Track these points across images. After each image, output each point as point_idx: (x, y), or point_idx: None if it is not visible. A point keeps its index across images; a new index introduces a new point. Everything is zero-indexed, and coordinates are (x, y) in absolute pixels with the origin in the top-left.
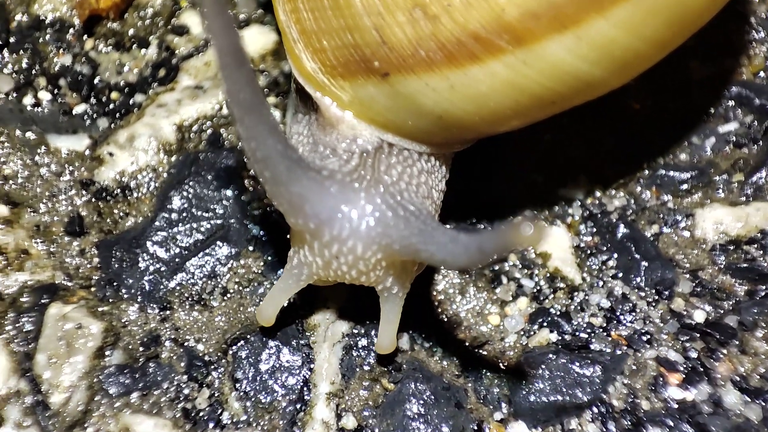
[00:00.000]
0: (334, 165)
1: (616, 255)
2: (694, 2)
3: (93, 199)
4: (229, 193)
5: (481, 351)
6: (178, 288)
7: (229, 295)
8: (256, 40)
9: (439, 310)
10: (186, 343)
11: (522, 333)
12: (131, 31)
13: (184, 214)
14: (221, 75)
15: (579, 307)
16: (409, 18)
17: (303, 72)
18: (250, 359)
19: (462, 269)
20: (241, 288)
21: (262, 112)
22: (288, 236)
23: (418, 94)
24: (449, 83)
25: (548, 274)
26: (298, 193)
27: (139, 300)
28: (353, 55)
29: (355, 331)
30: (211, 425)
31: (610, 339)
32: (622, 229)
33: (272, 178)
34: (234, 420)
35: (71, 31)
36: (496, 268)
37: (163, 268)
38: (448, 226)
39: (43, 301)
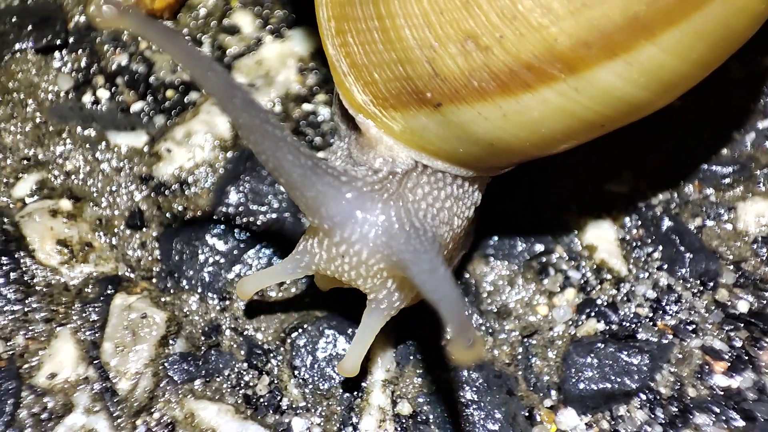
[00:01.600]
0: (359, 173)
1: (660, 247)
2: (738, 24)
3: (152, 194)
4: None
5: (530, 340)
6: (236, 279)
7: (285, 286)
8: (304, 40)
9: (489, 300)
10: (245, 332)
11: (570, 323)
12: (184, 31)
13: (241, 209)
14: (219, 106)
15: (625, 298)
16: (461, 50)
17: (354, 104)
18: (307, 347)
19: (430, 303)
20: (296, 279)
21: (265, 128)
22: None
23: (470, 123)
24: (502, 112)
25: (595, 266)
26: (314, 197)
27: (199, 291)
28: (405, 87)
29: (409, 320)
30: (271, 411)
31: (656, 329)
32: (666, 222)
33: (287, 184)
34: (293, 406)
35: (126, 32)
36: (543, 260)
37: (221, 260)
38: (440, 259)
39: (108, 291)
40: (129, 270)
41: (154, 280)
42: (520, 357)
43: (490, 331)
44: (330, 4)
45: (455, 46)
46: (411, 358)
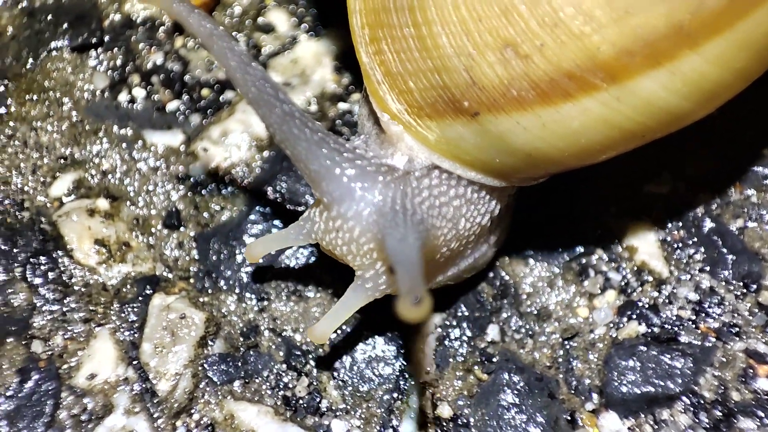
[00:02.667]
0: (371, 153)
1: (702, 249)
2: None
3: (189, 193)
4: None
5: (571, 343)
6: (274, 279)
7: (322, 287)
8: (339, 39)
9: (529, 302)
10: (284, 333)
11: (611, 325)
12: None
13: (278, 208)
14: (230, 78)
15: (667, 300)
16: (500, 58)
17: (388, 113)
18: (346, 349)
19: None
20: (333, 279)
21: (272, 102)
22: None
23: (508, 132)
24: (541, 121)
25: (635, 268)
26: (317, 171)
27: (237, 291)
28: (442, 95)
29: (447, 323)
30: (310, 412)
31: (699, 331)
32: (707, 223)
33: (292, 156)
34: (333, 408)
35: (162, 29)
36: (583, 261)
37: (259, 260)
38: (414, 235)
39: (146, 292)
40: (167, 270)
41: (191, 280)
42: (561, 360)
43: (530, 333)
44: (364, 11)
45: (494, 54)
46: (450, 360)
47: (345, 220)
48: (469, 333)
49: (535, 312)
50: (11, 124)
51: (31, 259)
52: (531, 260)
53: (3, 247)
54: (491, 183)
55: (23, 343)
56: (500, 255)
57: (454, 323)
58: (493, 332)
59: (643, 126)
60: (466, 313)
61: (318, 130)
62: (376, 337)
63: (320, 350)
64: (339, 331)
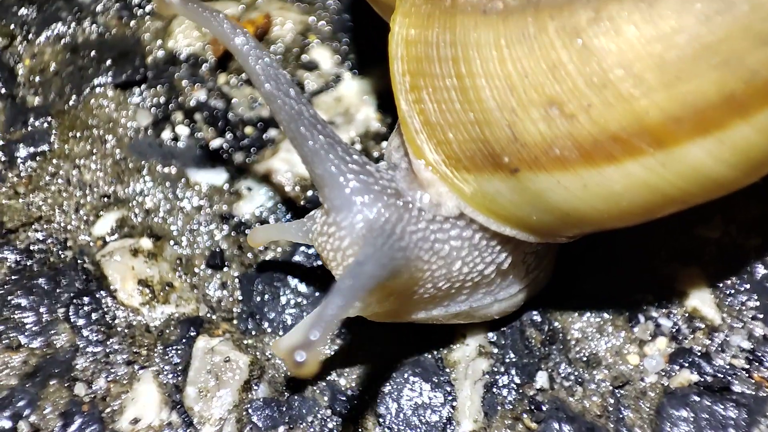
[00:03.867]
0: (378, 172)
1: (755, 295)
2: None
3: (233, 233)
4: None
5: (621, 391)
6: None
7: (366, 330)
8: (383, 77)
9: (578, 348)
10: (328, 377)
11: (662, 373)
12: None
13: None
14: (246, 70)
15: (719, 348)
16: (543, 115)
17: (424, 162)
18: (392, 395)
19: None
20: (377, 323)
21: (283, 100)
22: None
23: (548, 191)
24: (582, 182)
25: (686, 314)
26: (320, 175)
27: (281, 334)
28: (481, 149)
29: (495, 369)
30: None
31: (752, 381)
32: (760, 269)
33: (300, 156)
34: None
35: (205, 66)
36: (633, 306)
37: (303, 302)
38: (376, 260)
39: (190, 333)
40: (210, 311)
41: (235, 322)
42: (611, 408)
43: (580, 380)
44: (406, 58)
45: (538, 111)
46: (498, 408)
47: (339, 228)
48: (517, 380)
49: (585, 359)
50: (54, 161)
51: (74, 300)
52: (580, 305)
53: (46, 287)
54: (524, 238)
55: (66, 385)
56: (548, 299)
57: (502, 369)
58: (542, 379)
59: (687, 193)
60: (514, 359)
61: (328, 135)
62: (423, 383)
63: (366, 396)
64: (385, 376)
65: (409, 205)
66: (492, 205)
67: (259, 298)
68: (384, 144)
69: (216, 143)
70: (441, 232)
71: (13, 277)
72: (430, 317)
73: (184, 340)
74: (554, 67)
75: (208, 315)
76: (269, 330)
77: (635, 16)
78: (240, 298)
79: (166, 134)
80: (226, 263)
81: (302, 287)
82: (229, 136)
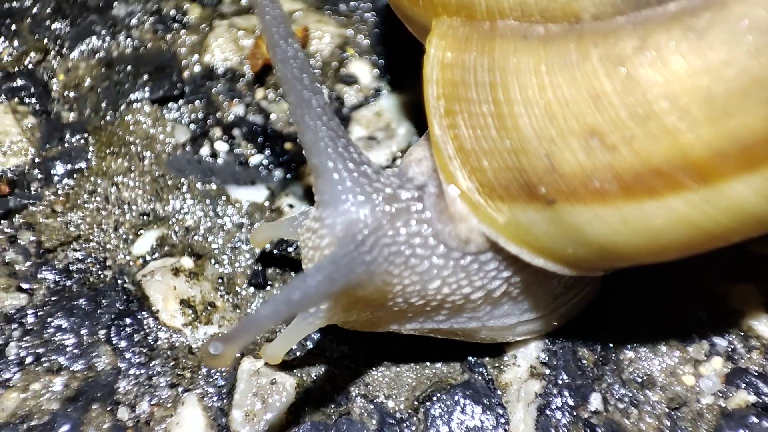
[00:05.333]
0: (389, 184)
1: None
2: None
3: (275, 251)
4: None
5: (677, 413)
6: (365, 342)
7: (413, 351)
8: None
9: (631, 369)
10: (376, 400)
11: (719, 394)
12: None
13: None
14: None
15: None
16: (584, 146)
17: (459, 191)
18: (443, 417)
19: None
20: (425, 343)
21: (294, 85)
22: None
23: (585, 224)
24: (621, 216)
25: (741, 333)
26: (315, 165)
27: (326, 355)
28: (517, 178)
29: (548, 390)
30: None
31: None
32: None
33: (301, 143)
34: None
35: (242, 80)
36: (687, 325)
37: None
38: (326, 273)
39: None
40: None
41: None
42: (667, 431)
43: (635, 402)
44: (441, 81)
45: (578, 141)
46: (553, 430)
47: (322, 225)
48: (571, 402)
49: (639, 379)
50: (92, 179)
51: (116, 321)
52: (631, 324)
53: (86, 308)
54: (559, 271)
55: (108, 409)
56: (599, 318)
57: (555, 391)
58: (596, 401)
59: (730, 230)
60: (567, 380)
61: (332, 128)
62: (474, 405)
63: (415, 418)
64: (433, 399)
65: (402, 213)
66: (526, 236)
67: None
68: None
69: (255, 159)
70: (422, 248)
71: (52, 298)
72: (405, 330)
73: (257, 338)
74: (596, 96)
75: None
76: (315, 351)
77: (683, 47)
78: None
79: (205, 150)
80: (268, 282)
81: None
82: (268, 152)
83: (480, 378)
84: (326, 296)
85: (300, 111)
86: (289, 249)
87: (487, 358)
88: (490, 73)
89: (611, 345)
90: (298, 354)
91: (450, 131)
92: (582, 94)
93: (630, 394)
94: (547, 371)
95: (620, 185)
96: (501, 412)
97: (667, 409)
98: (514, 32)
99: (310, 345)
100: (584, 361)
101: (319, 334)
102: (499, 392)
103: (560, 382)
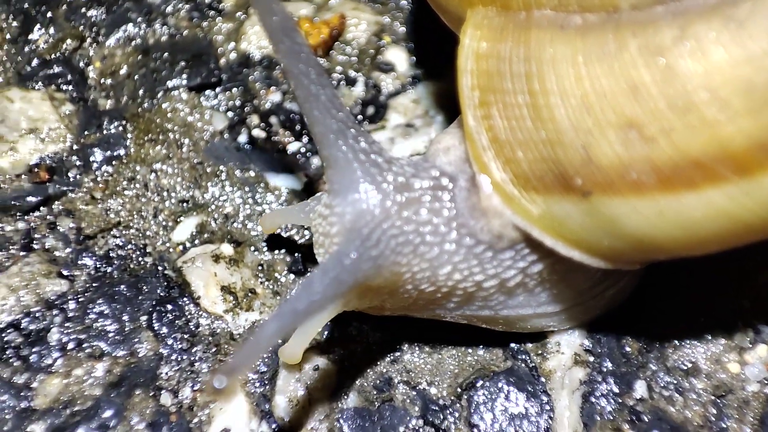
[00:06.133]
0: (391, 166)
1: None
2: None
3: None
4: None
5: (722, 401)
6: (406, 329)
7: (455, 337)
8: None
9: (675, 356)
10: (419, 386)
11: (765, 381)
12: (338, 69)
13: None
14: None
15: None
16: (621, 137)
17: (491, 181)
18: (486, 405)
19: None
20: (466, 331)
21: (300, 79)
22: None
23: (622, 216)
24: (658, 208)
25: None
26: (326, 157)
27: (367, 341)
28: (552, 169)
29: (592, 378)
30: None
31: None
32: None
33: (312, 135)
34: None
35: (278, 68)
36: (730, 312)
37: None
38: (333, 276)
39: (277, 342)
40: None
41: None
42: (713, 419)
43: (679, 389)
44: (476, 72)
45: (615, 133)
46: (597, 418)
47: (332, 213)
48: (616, 389)
49: (684, 367)
50: (131, 166)
51: (157, 307)
52: (675, 312)
53: (127, 294)
54: (594, 264)
55: (151, 394)
56: (643, 306)
57: (600, 378)
58: (641, 389)
59: None
60: (612, 368)
61: (341, 120)
62: (518, 392)
63: (458, 405)
64: (476, 386)
65: (413, 202)
66: (561, 228)
67: None
68: None
69: (293, 147)
70: (433, 235)
71: (93, 284)
72: (422, 315)
73: (270, 349)
74: (635, 87)
75: None
76: (357, 337)
77: (724, 37)
78: None
79: (243, 138)
80: (308, 268)
81: None
82: (305, 139)
83: (523, 365)
84: (334, 298)
85: (308, 105)
86: None
87: (530, 345)
88: (526, 63)
89: (654, 333)
90: (340, 340)
91: (484, 122)
92: (620, 85)
93: (675, 382)
94: (591, 358)
95: (658, 177)
96: (545, 399)
97: (712, 397)
98: (551, 22)
99: (353, 332)
100: (628, 349)
101: (360, 322)
102: (542, 379)
103: (604, 369)
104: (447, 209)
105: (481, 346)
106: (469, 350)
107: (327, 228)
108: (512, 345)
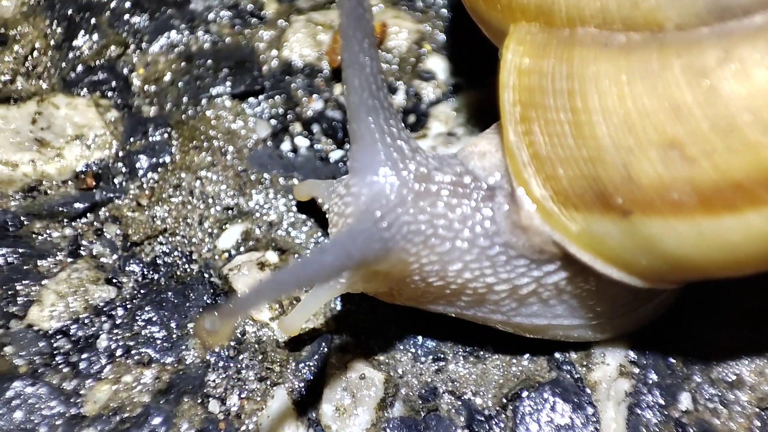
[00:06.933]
0: (415, 155)
1: None
2: None
3: None
4: None
5: (767, 413)
6: (449, 338)
7: (500, 346)
8: None
9: (720, 368)
10: (463, 396)
11: None
12: None
13: None
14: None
15: None
16: (662, 156)
17: (531, 198)
18: (532, 415)
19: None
20: (510, 339)
21: (353, 45)
22: None
23: (661, 236)
24: (698, 230)
25: None
26: (353, 131)
27: (412, 350)
28: (593, 187)
29: (637, 389)
30: None
31: None
32: None
33: (346, 103)
34: None
35: (320, 76)
36: None
37: (431, 315)
38: (340, 250)
39: (322, 350)
40: (339, 327)
41: (362, 338)
42: (758, 431)
43: (724, 402)
44: (518, 87)
45: (656, 152)
46: (644, 430)
47: (348, 193)
48: (661, 401)
49: (728, 379)
50: (176, 173)
51: (204, 314)
52: (718, 324)
53: (175, 301)
54: (631, 282)
55: (199, 402)
56: (686, 317)
57: (645, 390)
58: (686, 401)
59: None
60: (657, 380)
61: (378, 98)
62: (564, 403)
63: (503, 416)
64: (521, 397)
65: (430, 194)
66: (599, 246)
67: (384, 312)
68: None
69: (335, 155)
70: (445, 229)
71: (141, 291)
72: (434, 310)
73: (315, 357)
74: (677, 107)
75: (338, 330)
76: (401, 347)
77: None
78: (367, 313)
79: (286, 146)
80: None
81: None
82: (347, 147)
83: (568, 376)
84: (341, 270)
85: (351, 71)
86: None
87: (574, 356)
88: (569, 80)
89: (699, 345)
90: (385, 350)
91: (525, 138)
92: (663, 105)
93: (719, 394)
94: (636, 370)
95: (699, 198)
96: (591, 411)
97: (757, 409)
98: (595, 40)
99: (395, 341)
100: (672, 360)
101: (402, 329)
102: (588, 390)
103: (650, 381)
104: (472, 211)
105: (526, 356)
106: (514, 360)
107: (342, 208)
108: (557, 355)
